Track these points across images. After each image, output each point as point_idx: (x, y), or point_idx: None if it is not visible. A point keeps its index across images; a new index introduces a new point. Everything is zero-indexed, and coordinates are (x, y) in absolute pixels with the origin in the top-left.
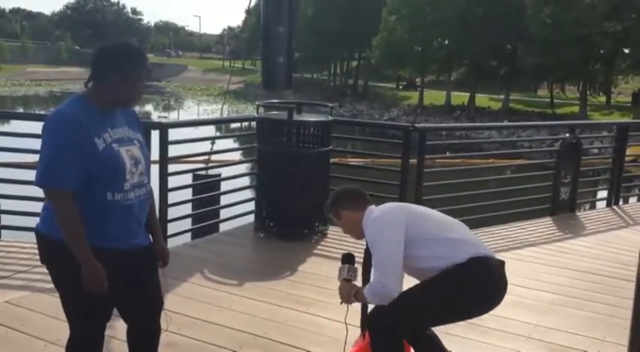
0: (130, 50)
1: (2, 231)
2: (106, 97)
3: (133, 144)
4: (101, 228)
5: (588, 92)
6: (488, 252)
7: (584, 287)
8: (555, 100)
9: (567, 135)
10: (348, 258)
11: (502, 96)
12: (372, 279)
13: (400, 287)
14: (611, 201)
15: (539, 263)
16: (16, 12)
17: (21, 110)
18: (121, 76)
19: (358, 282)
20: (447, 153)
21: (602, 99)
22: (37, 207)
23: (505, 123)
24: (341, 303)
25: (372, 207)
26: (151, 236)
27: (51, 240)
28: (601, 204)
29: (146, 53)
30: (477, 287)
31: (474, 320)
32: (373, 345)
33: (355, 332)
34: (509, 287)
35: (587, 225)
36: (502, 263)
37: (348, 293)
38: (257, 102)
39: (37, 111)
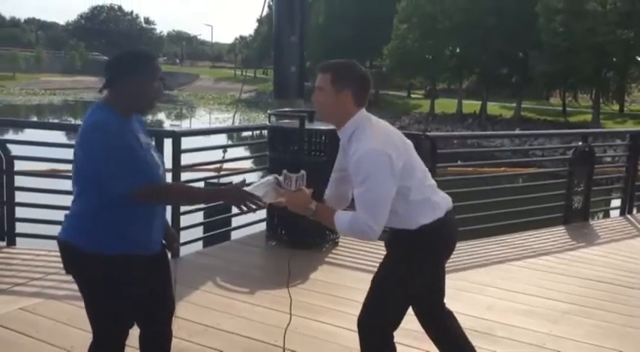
0: (142, 55)
1: (17, 238)
2: (125, 103)
3: (152, 150)
4: (127, 234)
5: (601, 100)
6: (445, 205)
7: (597, 297)
8: (568, 108)
9: (580, 143)
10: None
11: (514, 105)
12: (358, 216)
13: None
14: (624, 210)
15: (551, 271)
16: (31, 22)
17: (35, 119)
18: (136, 80)
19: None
20: (459, 162)
21: (616, 107)
22: (52, 215)
23: (517, 132)
24: (291, 209)
25: (368, 114)
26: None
27: (79, 249)
28: (614, 213)
29: (157, 59)
30: (426, 260)
31: (485, 329)
32: (364, 348)
33: None
34: (522, 297)
35: (600, 234)
36: (451, 215)
37: (304, 204)
38: (269, 111)
39: (51, 120)
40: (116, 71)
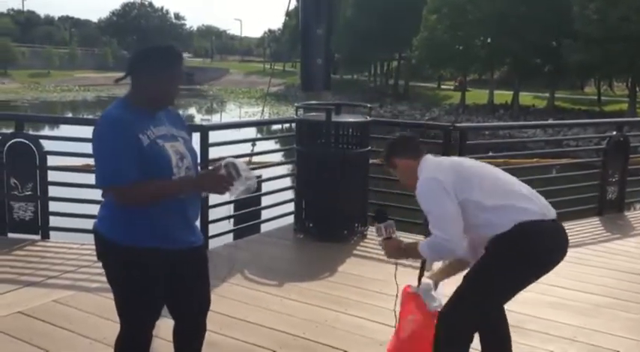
0: (164, 51)
1: (51, 232)
2: (144, 97)
3: (177, 141)
4: (152, 226)
5: (637, 88)
6: (539, 211)
7: (632, 289)
8: (603, 98)
9: (615, 132)
10: (380, 216)
11: (547, 95)
12: (432, 236)
13: (462, 245)
14: None
15: (585, 264)
16: (65, 20)
17: (70, 115)
18: (153, 76)
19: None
20: (490, 153)
21: None
22: (84, 208)
23: (549, 122)
24: (388, 257)
25: (429, 156)
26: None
27: (106, 239)
28: None
29: (182, 54)
30: (526, 258)
31: (516, 322)
32: (440, 345)
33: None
34: (554, 289)
35: (635, 225)
36: (554, 222)
37: (396, 248)
38: (296, 104)
39: (85, 116)
40: (132, 65)
